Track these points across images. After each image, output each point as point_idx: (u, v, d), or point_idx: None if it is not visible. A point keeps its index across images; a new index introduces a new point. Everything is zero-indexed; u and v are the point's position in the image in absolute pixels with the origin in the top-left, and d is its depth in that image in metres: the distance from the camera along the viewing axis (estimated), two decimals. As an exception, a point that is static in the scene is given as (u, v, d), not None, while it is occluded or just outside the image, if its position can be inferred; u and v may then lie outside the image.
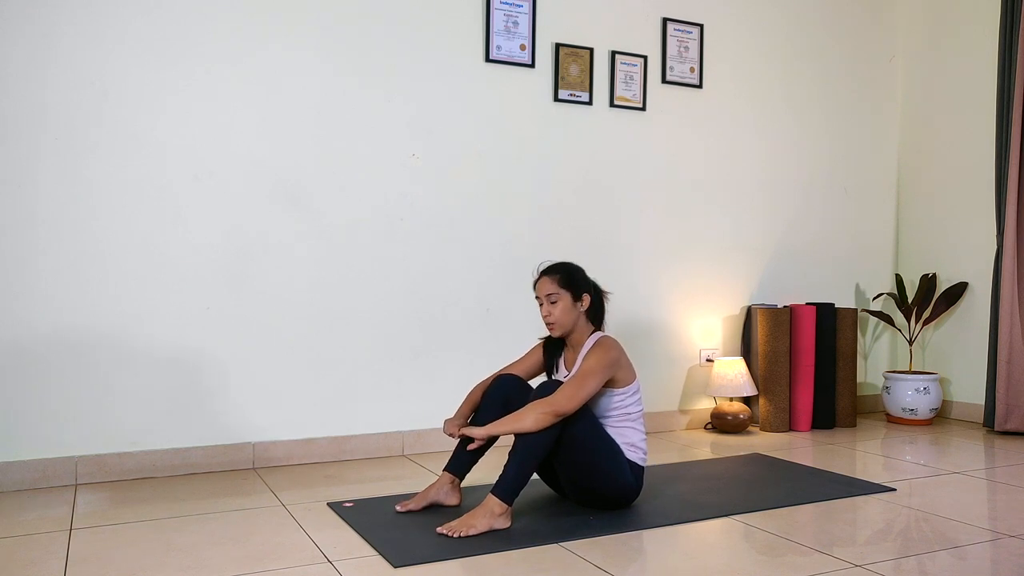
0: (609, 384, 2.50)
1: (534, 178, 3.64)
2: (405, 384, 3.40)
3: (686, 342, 3.99)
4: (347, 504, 2.63)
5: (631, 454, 2.52)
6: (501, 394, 2.54)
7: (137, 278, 2.98)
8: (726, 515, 2.52)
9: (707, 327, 4.04)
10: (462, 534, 2.27)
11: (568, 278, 2.54)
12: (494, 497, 2.32)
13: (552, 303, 2.52)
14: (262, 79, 3.15)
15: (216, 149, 3.09)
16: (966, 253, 4.24)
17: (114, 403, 2.95)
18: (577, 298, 2.54)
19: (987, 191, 4.12)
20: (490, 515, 2.31)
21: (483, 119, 3.53)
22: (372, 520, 2.45)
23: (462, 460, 2.55)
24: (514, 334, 3.59)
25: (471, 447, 2.51)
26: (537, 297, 2.57)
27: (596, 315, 2.62)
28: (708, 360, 4.02)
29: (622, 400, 2.52)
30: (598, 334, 2.57)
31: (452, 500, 2.55)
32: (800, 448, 3.55)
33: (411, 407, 3.41)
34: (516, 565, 2.11)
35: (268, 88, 3.16)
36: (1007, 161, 3.91)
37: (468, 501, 2.58)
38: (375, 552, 2.19)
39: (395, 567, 2.08)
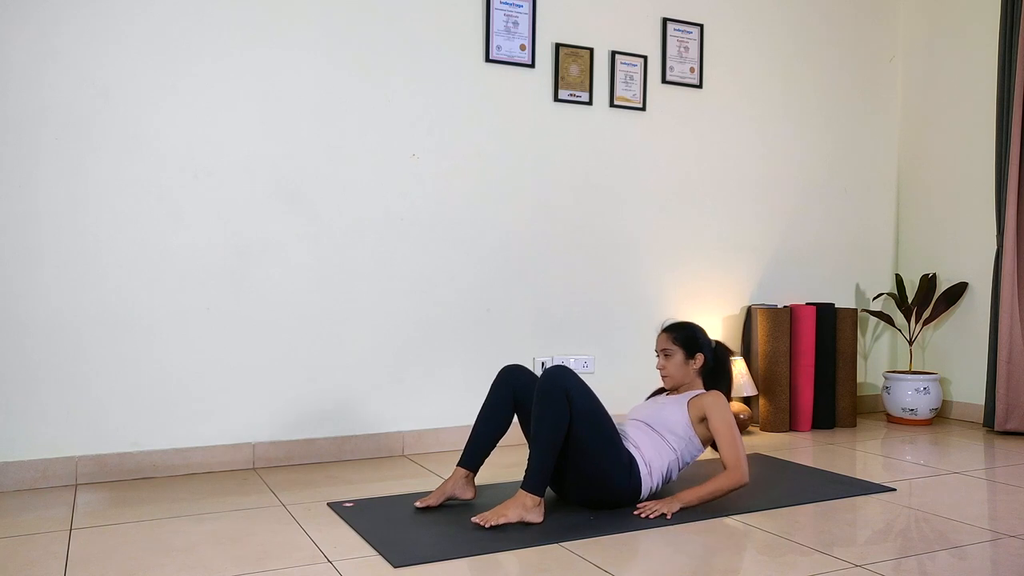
0: (700, 429, 2.59)
1: (534, 178, 3.64)
2: (405, 384, 3.40)
3: (686, 342, 3.99)
4: (347, 504, 2.63)
5: (646, 471, 2.53)
6: (508, 387, 2.62)
7: (137, 278, 2.98)
8: (726, 515, 2.52)
9: (707, 327, 4.03)
10: (494, 523, 2.33)
11: (683, 337, 2.68)
12: (524, 492, 2.38)
13: (666, 356, 2.68)
14: (262, 79, 3.15)
15: (216, 149, 3.09)
16: (966, 253, 4.24)
17: (114, 403, 2.95)
18: (690, 356, 2.67)
19: (987, 191, 4.12)
20: (522, 508, 2.38)
21: (483, 119, 3.53)
22: (372, 520, 2.45)
23: (475, 455, 2.61)
24: (514, 334, 3.60)
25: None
26: (655, 350, 2.73)
27: (711, 377, 2.71)
28: (708, 360, 4.02)
29: (689, 448, 2.61)
30: (705, 391, 2.65)
31: (467, 494, 2.62)
32: (800, 448, 3.55)
33: (411, 407, 3.41)
34: (516, 565, 2.11)
35: (268, 88, 3.16)
36: (1007, 161, 3.91)
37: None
38: (375, 552, 2.19)
39: (395, 567, 2.08)
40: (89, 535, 2.34)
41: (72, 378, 2.89)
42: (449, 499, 2.60)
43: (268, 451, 3.17)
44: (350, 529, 2.39)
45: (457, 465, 2.62)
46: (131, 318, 2.97)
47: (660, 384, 3.87)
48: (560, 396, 2.39)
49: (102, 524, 2.44)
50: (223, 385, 3.11)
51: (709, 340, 2.73)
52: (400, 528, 2.38)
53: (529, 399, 2.57)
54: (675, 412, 2.61)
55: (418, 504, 2.57)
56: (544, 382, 2.42)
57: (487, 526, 2.33)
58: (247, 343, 3.14)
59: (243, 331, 3.13)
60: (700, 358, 2.68)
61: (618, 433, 2.52)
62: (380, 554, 2.17)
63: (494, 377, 3.48)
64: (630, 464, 2.52)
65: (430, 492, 2.68)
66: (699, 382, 2.71)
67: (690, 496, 2.51)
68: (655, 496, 2.62)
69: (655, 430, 2.61)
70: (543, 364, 3.64)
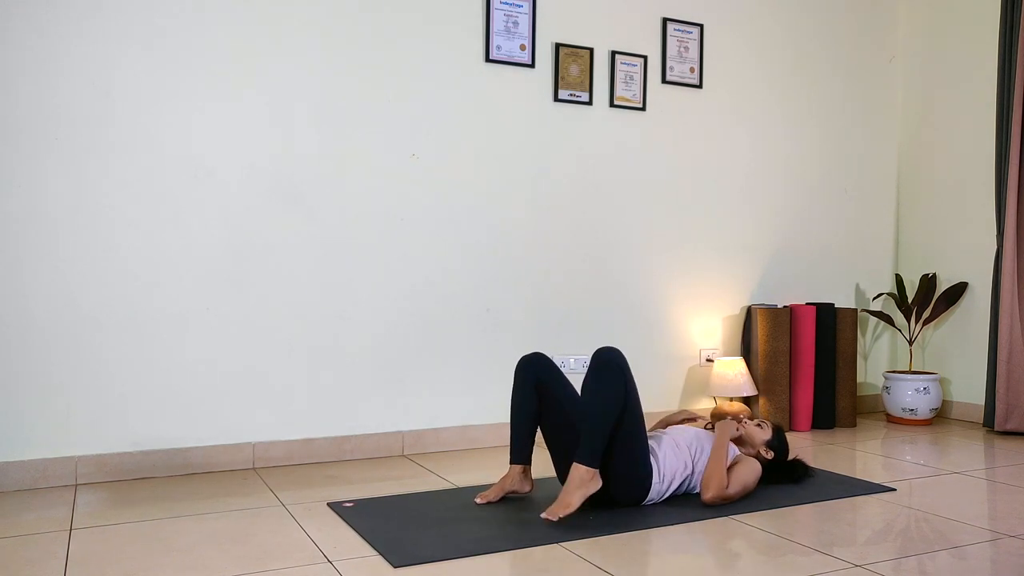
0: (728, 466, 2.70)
1: (534, 178, 3.64)
2: (405, 384, 3.40)
3: (686, 342, 3.99)
4: (347, 504, 2.63)
5: (658, 479, 2.61)
6: (530, 375, 2.68)
7: (137, 278, 2.98)
8: (726, 515, 2.53)
9: (707, 327, 4.04)
10: (562, 515, 2.41)
11: (778, 433, 2.90)
12: (579, 465, 2.44)
13: (759, 427, 2.87)
14: (262, 79, 3.15)
15: (217, 149, 3.09)
16: (966, 253, 4.24)
17: (114, 403, 2.95)
18: (769, 446, 2.85)
19: (987, 191, 4.12)
20: (581, 484, 2.44)
21: (483, 119, 3.53)
22: (372, 520, 2.45)
23: (521, 449, 2.68)
24: (513, 333, 3.60)
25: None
26: (757, 417, 3.06)
27: (766, 464, 2.83)
28: (708, 360, 4.02)
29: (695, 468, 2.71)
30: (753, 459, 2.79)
31: (525, 488, 2.69)
32: (800, 448, 3.55)
33: (411, 407, 3.41)
34: (516, 565, 2.11)
35: (268, 88, 3.16)
36: (1007, 161, 3.91)
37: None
38: (375, 552, 2.19)
39: (395, 567, 2.08)
40: (89, 535, 2.34)
41: (72, 378, 2.89)
42: (509, 494, 2.67)
43: (268, 451, 3.17)
44: (350, 529, 2.39)
45: (510, 463, 2.68)
46: (131, 318, 2.97)
47: (660, 388, 3.92)
48: (620, 375, 2.47)
49: (102, 524, 2.44)
50: (223, 385, 3.11)
51: (787, 452, 2.92)
52: (400, 528, 2.38)
53: (550, 381, 2.66)
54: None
55: (478, 500, 2.64)
56: (604, 359, 2.49)
57: (555, 519, 2.41)
58: (247, 343, 3.14)
59: (243, 331, 3.13)
60: (771, 454, 2.85)
61: (646, 432, 2.60)
62: (380, 554, 2.17)
63: (495, 375, 3.53)
64: (647, 467, 2.58)
65: (417, 492, 2.70)
66: (750, 455, 2.86)
67: (723, 437, 2.69)
68: (655, 502, 2.65)
69: (690, 450, 2.70)
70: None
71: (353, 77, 3.29)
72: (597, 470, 2.46)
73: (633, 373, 3.76)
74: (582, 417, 2.48)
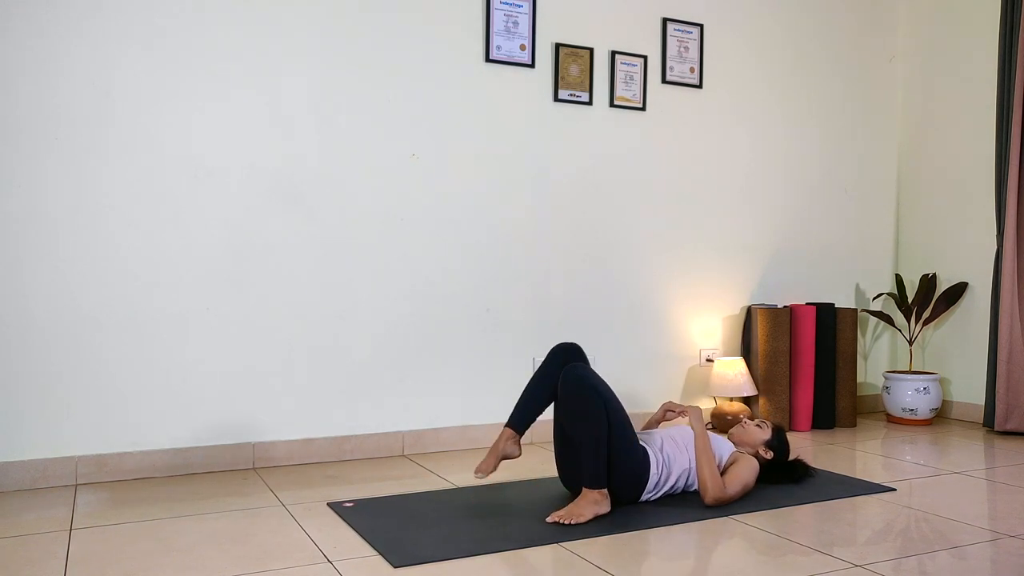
0: (726, 465, 2.73)
1: (534, 178, 3.64)
2: (405, 384, 3.40)
3: (686, 342, 3.99)
4: (347, 504, 2.63)
5: (655, 468, 2.62)
6: (561, 360, 2.69)
7: (137, 278, 2.98)
8: (726, 515, 2.53)
9: (707, 327, 4.04)
10: (572, 521, 2.42)
11: (778, 433, 2.89)
12: (589, 489, 2.48)
13: (759, 427, 2.86)
14: (262, 78, 3.15)
15: (217, 149, 3.09)
16: (966, 253, 4.24)
17: (114, 403, 2.95)
18: (768, 446, 2.84)
19: (987, 191, 4.12)
20: (593, 504, 2.47)
21: (483, 119, 3.53)
22: (372, 520, 2.45)
23: (523, 418, 2.67)
24: (513, 333, 3.60)
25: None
26: (757, 417, 3.02)
27: (764, 463, 2.83)
28: (708, 360, 4.02)
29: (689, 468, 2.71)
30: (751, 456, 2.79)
31: (515, 453, 2.68)
32: (800, 448, 3.55)
33: (411, 407, 3.41)
34: (516, 565, 2.11)
35: (268, 87, 3.16)
36: (1007, 161, 3.91)
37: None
38: (375, 552, 2.19)
39: (395, 567, 2.08)
40: (89, 535, 2.34)
41: (72, 378, 2.89)
42: (502, 459, 2.66)
43: (268, 451, 3.17)
44: (350, 529, 2.39)
45: (505, 425, 2.67)
46: (131, 318, 2.97)
47: (660, 388, 3.93)
48: (596, 396, 2.47)
49: (102, 524, 2.44)
50: (223, 385, 3.11)
51: (787, 452, 2.91)
52: (400, 528, 2.38)
53: None
54: (723, 442, 2.80)
55: (478, 474, 2.62)
56: (574, 382, 2.50)
57: (564, 523, 2.41)
58: (247, 343, 3.14)
59: (243, 331, 3.13)
60: (770, 454, 2.85)
61: (631, 424, 2.61)
62: (380, 554, 2.17)
63: (495, 375, 3.54)
64: (644, 457, 2.60)
65: (413, 493, 2.70)
66: (750, 454, 2.85)
67: (700, 430, 2.68)
68: (653, 496, 2.66)
69: (688, 449, 2.71)
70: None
71: (353, 77, 3.29)
72: (606, 489, 2.49)
73: (633, 373, 3.83)
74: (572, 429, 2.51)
